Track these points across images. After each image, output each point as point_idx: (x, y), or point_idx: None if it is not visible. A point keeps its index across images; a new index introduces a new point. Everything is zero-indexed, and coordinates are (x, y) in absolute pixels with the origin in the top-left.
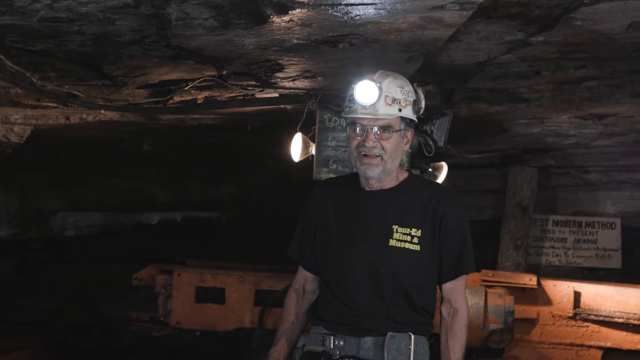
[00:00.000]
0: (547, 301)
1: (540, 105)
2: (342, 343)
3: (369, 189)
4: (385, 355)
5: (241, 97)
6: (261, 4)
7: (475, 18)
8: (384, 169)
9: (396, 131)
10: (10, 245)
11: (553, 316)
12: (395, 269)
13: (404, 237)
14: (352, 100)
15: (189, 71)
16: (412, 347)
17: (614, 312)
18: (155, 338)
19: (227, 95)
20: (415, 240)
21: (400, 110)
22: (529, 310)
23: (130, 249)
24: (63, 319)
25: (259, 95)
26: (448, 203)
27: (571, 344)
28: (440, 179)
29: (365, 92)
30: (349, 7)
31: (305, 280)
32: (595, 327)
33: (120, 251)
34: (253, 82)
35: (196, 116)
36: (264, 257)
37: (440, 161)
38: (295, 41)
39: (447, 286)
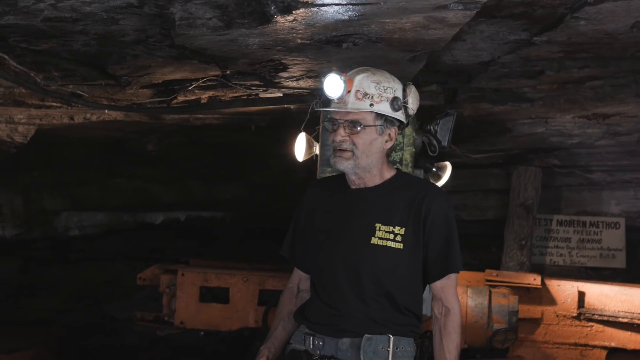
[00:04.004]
0: (552, 301)
1: (544, 105)
2: (321, 343)
3: (354, 187)
4: (362, 358)
5: (245, 97)
6: (265, 3)
7: (479, 18)
8: (356, 164)
9: (368, 126)
10: (14, 245)
11: (557, 316)
12: (376, 267)
13: (387, 235)
14: (322, 93)
15: (193, 71)
16: (390, 349)
17: (618, 311)
18: (159, 338)
19: (231, 95)
20: (399, 238)
21: (372, 105)
22: (533, 310)
23: (134, 248)
24: (67, 319)
25: (262, 95)
26: (433, 201)
27: (575, 344)
28: (444, 179)
29: (331, 85)
30: (353, 7)
31: (299, 279)
32: (600, 326)
33: (124, 251)
34: (257, 82)
35: (200, 116)
36: (267, 256)
37: (444, 161)
38: (299, 41)
39: (437, 285)
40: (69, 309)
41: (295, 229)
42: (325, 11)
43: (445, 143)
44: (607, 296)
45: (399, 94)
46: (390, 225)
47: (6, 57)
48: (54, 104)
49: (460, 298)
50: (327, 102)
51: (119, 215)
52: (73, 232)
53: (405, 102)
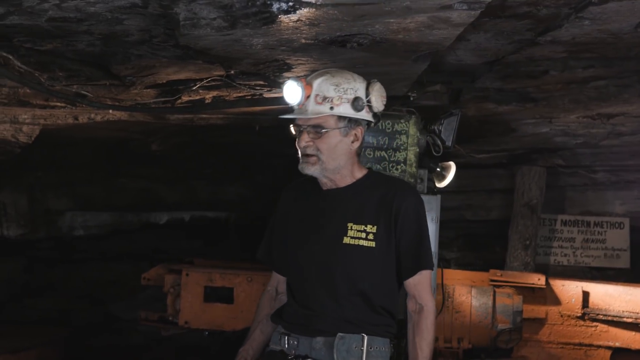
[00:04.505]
0: (556, 301)
1: (549, 104)
2: (296, 343)
3: (326, 189)
4: (335, 356)
5: (249, 97)
6: (269, 3)
7: (484, 18)
8: (323, 168)
9: (331, 129)
10: (19, 245)
11: (562, 316)
12: (349, 267)
13: (359, 234)
14: (285, 101)
15: (197, 71)
16: (364, 348)
17: (623, 311)
18: (163, 338)
19: (235, 95)
20: (371, 236)
21: (332, 108)
22: (538, 310)
23: (138, 248)
24: (72, 319)
25: (267, 95)
26: (403, 198)
27: (580, 344)
28: (449, 179)
29: (290, 92)
30: (357, 7)
31: (277, 282)
32: (604, 326)
33: (129, 251)
34: (261, 82)
35: (204, 116)
36: None
37: (448, 161)
38: (303, 41)
39: (409, 282)
40: (73, 309)
41: (272, 233)
42: (330, 11)
43: (449, 143)
44: (611, 296)
45: (361, 94)
46: (362, 224)
47: (11, 57)
48: (59, 104)
49: (464, 298)
50: (291, 108)
51: (123, 215)
52: (77, 232)
53: (369, 101)
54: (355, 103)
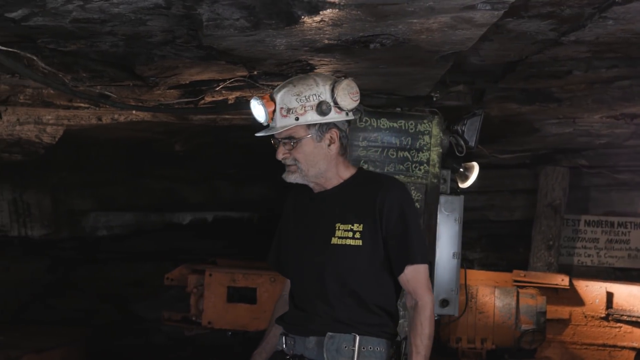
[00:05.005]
0: (580, 302)
1: (572, 105)
2: (292, 342)
3: (316, 192)
4: (325, 356)
5: None
6: (292, 4)
7: (507, 18)
8: (304, 175)
9: (303, 138)
10: (42, 245)
11: (585, 317)
12: (338, 267)
13: (346, 234)
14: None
15: (220, 71)
16: (355, 348)
17: None
18: (186, 338)
19: (258, 96)
20: (357, 235)
21: (297, 119)
22: (561, 311)
23: (161, 249)
24: (95, 319)
25: None
26: (388, 193)
27: (604, 345)
28: (472, 179)
29: (254, 111)
30: (380, 7)
31: (289, 287)
32: (628, 327)
33: (152, 251)
34: None
35: (227, 116)
36: None
37: (471, 161)
38: (326, 41)
39: (402, 278)
40: (96, 309)
41: (278, 238)
42: (353, 12)
43: (472, 143)
44: (635, 297)
45: (326, 97)
46: (348, 223)
47: (35, 58)
48: (82, 104)
49: (488, 299)
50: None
51: (146, 215)
52: (101, 232)
53: (335, 102)
54: (320, 108)
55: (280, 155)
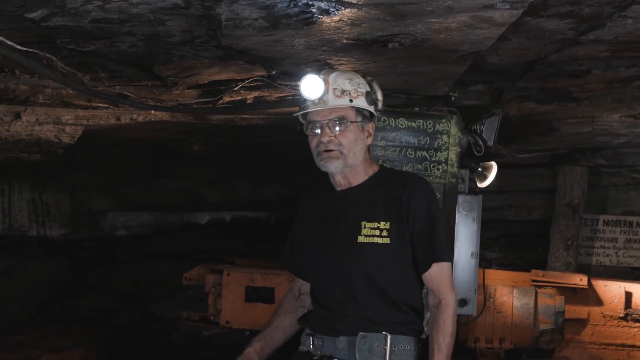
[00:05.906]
0: (598, 301)
1: (591, 104)
2: (320, 343)
3: (339, 189)
4: (357, 356)
5: (290, 97)
6: (310, 4)
7: (525, 17)
8: (345, 163)
9: (352, 122)
10: (61, 245)
11: (604, 316)
12: (365, 265)
13: (372, 232)
14: (302, 98)
15: (239, 71)
16: (387, 347)
17: None
18: (205, 337)
19: (276, 95)
20: (385, 233)
21: (351, 100)
22: (580, 311)
23: (180, 248)
24: (113, 318)
25: None
26: (414, 191)
27: (622, 345)
28: (490, 179)
29: (311, 85)
30: (399, 7)
31: (301, 284)
32: None
33: (170, 251)
34: None
35: (245, 116)
36: None
37: (489, 161)
38: (344, 41)
39: (426, 276)
40: (115, 309)
41: (292, 241)
42: (371, 11)
43: (490, 143)
44: None
45: (368, 88)
46: (375, 221)
47: (54, 58)
48: (101, 104)
49: (506, 298)
50: (304, 105)
51: (165, 215)
52: (119, 232)
53: (377, 97)
54: (368, 96)
55: (326, 138)
